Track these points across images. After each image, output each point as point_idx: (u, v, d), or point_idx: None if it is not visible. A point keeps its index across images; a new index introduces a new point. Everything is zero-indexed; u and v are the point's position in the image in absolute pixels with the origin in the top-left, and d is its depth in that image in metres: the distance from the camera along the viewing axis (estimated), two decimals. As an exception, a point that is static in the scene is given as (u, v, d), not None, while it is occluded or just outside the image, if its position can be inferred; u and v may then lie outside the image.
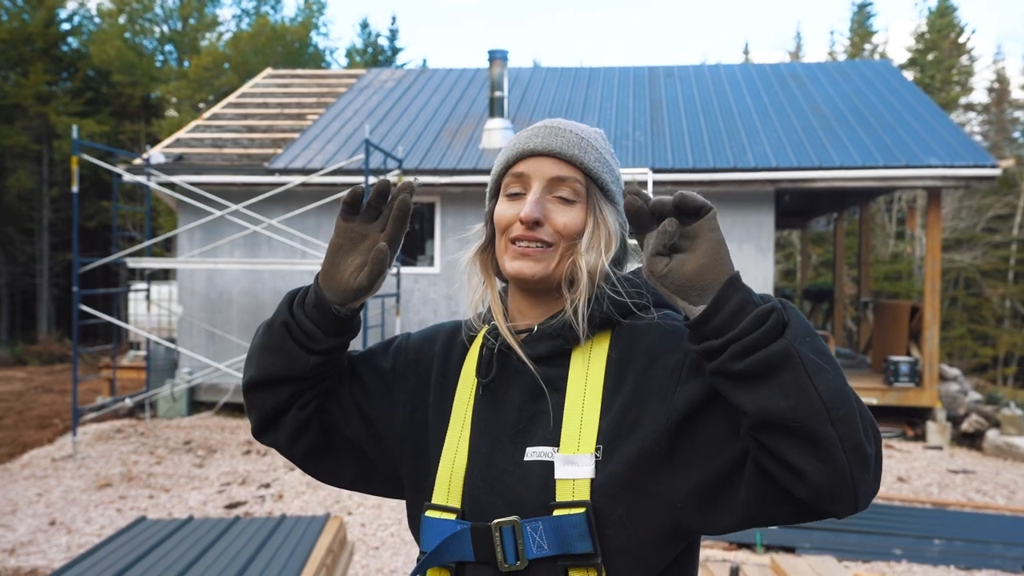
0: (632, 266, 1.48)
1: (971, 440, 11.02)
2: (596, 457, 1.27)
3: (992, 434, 10.64)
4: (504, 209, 1.40)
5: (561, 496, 1.27)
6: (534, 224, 1.35)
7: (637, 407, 1.28)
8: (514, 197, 1.40)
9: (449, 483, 1.37)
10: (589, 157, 1.40)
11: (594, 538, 1.24)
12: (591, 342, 1.37)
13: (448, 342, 1.55)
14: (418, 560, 1.38)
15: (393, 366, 1.53)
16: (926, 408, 11.27)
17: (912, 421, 11.44)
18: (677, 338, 1.31)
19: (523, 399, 1.37)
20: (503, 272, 1.41)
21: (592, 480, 1.27)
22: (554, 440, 1.31)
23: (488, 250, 1.47)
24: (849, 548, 6.47)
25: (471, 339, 1.50)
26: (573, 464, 1.28)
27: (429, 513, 1.37)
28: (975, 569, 6.18)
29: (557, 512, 1.26)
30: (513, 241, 1.38)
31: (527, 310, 1.43)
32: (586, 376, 1.34)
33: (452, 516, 1.34)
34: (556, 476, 1.28)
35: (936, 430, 10.90)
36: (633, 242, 1.44)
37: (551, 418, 1.33)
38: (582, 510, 1.25)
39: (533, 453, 1.32)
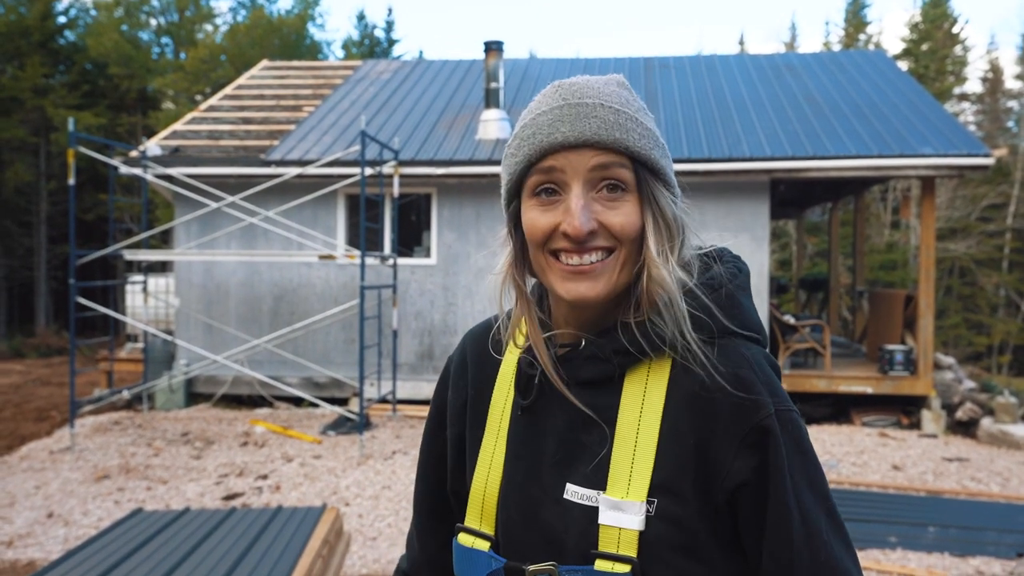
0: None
1: (965, 428, 11.06)
2: (648, 511, 1.11)
3: (986, 422, 10.67)
4: (537, 216, 1.16)
5: (604, 545, 1.11)
6: (588, 236, 1.12)
7: (696, 467, 1.11)
8: (547, 202, 1.15)
9: (482, 507, 1.26)
10: (632, 136, 1.15)
11: None
12: (648, 368, 1.17)
13: (480, 347, 1.37)
14: None
15: (434, 415, 1.42)
16: (921, 396, 11.31)
17: (907, 409, 11.48)
18: (752, 398, 1.11)
19: (565, 426, 1.20)
20: (552, 293, 1.21)
21: (641, 534, 1.10)
22: (597, 480, 1.15)
23: (521, 262, 1.24)
24: (843, 536, 6.50)
25: (499, 347, 1.33)
26: (620, 510, 1.11)
27: (461, 538, 1.26)
28: (969, 556, 6.22)
29: (599, 564, 1.11)
30: (555, 254, 1.15)
31: (573, 317, 1.22)
32: (641, 410, 1.15)
33: (485, 544, 1.23)
34: (600, 521, 1.12)
35: (931, 418, 10.94)
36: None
37: (595, 454, 1.16)
38: (627, 568, 1.09)
39: (574, 493, 1.16)
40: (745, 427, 1.10)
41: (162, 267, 18.60)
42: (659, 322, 1.14)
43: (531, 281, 1.26)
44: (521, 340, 1.26)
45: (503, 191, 1.24)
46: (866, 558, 6.13)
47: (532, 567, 1.15)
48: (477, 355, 1.36)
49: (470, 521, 1.27)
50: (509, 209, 1.23)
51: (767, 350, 1.22)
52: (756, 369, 1.14)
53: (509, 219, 1.23)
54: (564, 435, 1.19)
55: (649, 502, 1.11)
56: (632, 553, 1.10)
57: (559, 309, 1.24)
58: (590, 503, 1.14)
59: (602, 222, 1.13)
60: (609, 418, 1.16)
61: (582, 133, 1.12)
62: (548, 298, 1.27)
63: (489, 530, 1.24)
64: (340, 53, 39.54)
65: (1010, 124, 36.14)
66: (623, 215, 1.13)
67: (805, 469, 1.13)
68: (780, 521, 1.09)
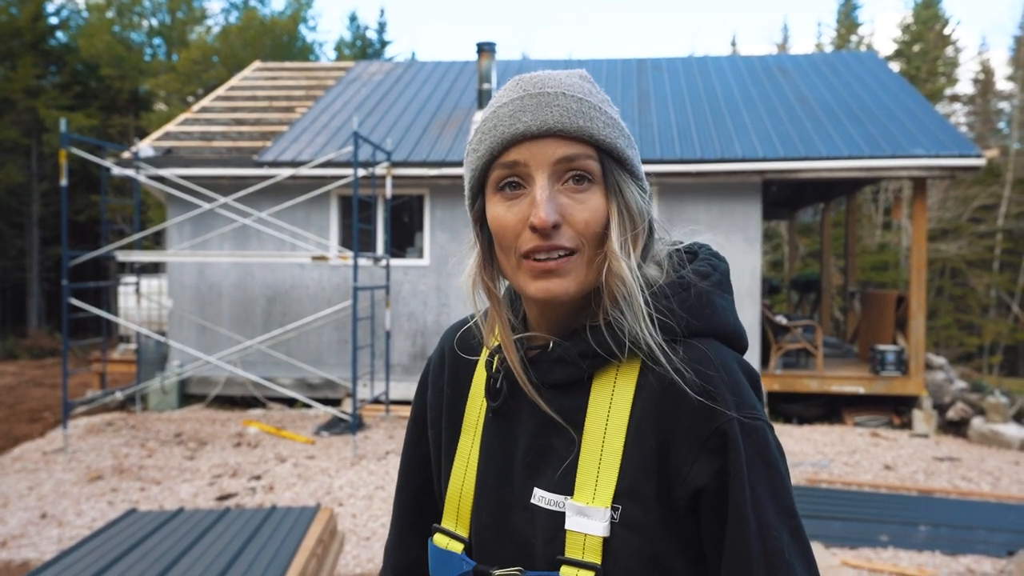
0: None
1: (957, 428, 11.12)
2: (613, 517, 1.08)
3: (977, 422, 10.73)
4: (503, 213, 1.11)
5: (570, 551, 1.10)
6: (552, 229, 1.07)
7: (658, 472, 1.08)
8: (511, 196, 1.11)
9: (457, 509, 1.24)
10: (597, 124, 1.11)
11: None
12: (616, 371, 1.13)
13: (458, 346, 1.34)
14: None
15: (415, 418, 1.39)
16: (912, 396, 11.36)
17: (899, 409, 11.53)
18: (714, 401, 1.07)
19: (535, 430, 1.17)
20: (523, 295, 1.16)
21: (605, 540, 1.08)
22: (564, 485, 1.12)
23: (489, 263, 1.19)
24: (836, 535, 6.54)
25: (475, 347, 1.30)
26: (585, 516, 1.09)
27: (437, 539, 1.25)
28: (960, 554, 6.25)
29: (565, 571, 1.09)
30: (527, 255, 1.10)
31: (544, 318, 1.19)
32: (608, 414, 1.12)
33: (459, 546, 1.22)
34: (566, 527, 1.10)
35: (922, 418, 10.99)
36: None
37: (563, 458, 1.14)
38: (591, 574, 1.08)
39: (541, 498, 1.14)
40: (705, 431, 1.06)
41: (155, 268, 18.59)
42: (622, 320, 1.10)
43: (504, 283, 1.23)
44: (494, 342, 1.22)
45: (466, 189, 1.20)
46: (858, 557, 6.16)
47: (498, 572, 1.15)
48: (454, 354, 1.33)
49: (446, 522, 1.25)
50: (474, 208, 1.18)
51: (749, 351, 1.17)
52: (722, 372, 1.09)
53: (474, 219, 1.19)
54: (533, 439, 1.17)
55: (614, 508, 1.08)
56: (597, 560, 1.08)
57: (531, 310, 1.20)
58: (557, 508, 1.12)
59: (568, 218, 1.09)
60: (577, 422, 1.13)
61: (544, 122, 1.09)
62: (521, 299, 1.23)
63: (464, 532, 1.23)
64: (332, 54, 39.55)
65: (1001, 125, 36.28)
66: (589, 210, 1.09)
67: (769, 482, 1.07)
68: (738, 533, 1.04)
